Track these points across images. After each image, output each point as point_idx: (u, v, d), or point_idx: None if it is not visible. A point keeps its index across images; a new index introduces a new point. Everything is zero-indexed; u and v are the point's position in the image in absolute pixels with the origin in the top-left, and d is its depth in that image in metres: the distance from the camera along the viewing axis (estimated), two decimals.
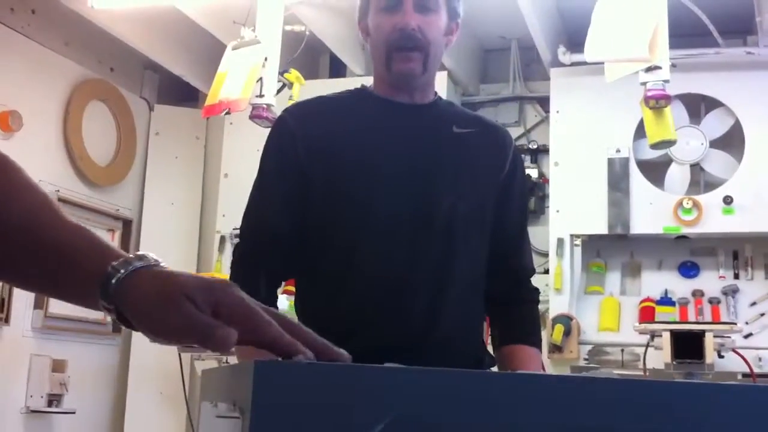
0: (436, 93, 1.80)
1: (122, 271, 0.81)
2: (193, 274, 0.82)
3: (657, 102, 2.96)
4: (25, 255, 0.87)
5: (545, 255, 4.09)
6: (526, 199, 1.90)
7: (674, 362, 2.83)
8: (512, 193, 1.78)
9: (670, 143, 3.10)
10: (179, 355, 3.41)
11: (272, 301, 1.70)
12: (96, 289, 0.82)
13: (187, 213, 4.70)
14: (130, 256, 0.84)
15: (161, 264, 0.83)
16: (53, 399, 3.87)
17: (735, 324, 3.04)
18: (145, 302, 0.79)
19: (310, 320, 1.63)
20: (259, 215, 1.73)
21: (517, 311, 1.78)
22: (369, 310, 1.62)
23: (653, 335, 2.97)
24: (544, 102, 4.32)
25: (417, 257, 1.64)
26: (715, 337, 2.89)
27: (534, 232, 4.29)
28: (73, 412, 3.93)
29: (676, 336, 2.82)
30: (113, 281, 0.81)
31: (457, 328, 1.67)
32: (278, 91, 3.54)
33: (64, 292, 0.88)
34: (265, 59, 3.39)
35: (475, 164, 1.74)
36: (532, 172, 4.36)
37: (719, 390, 0.74)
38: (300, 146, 1.69)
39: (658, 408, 0.71)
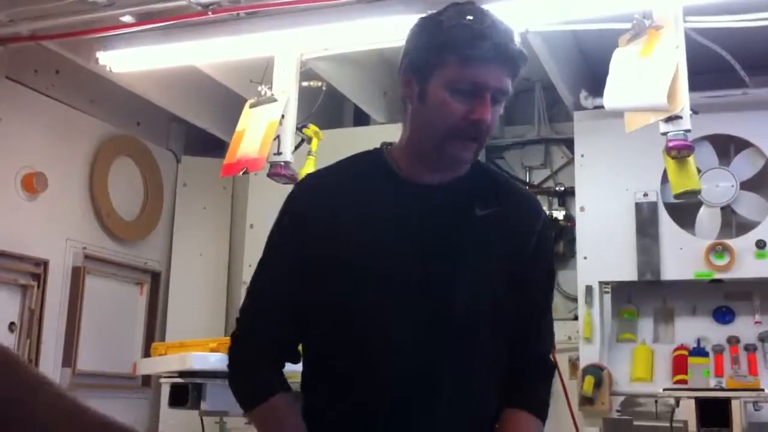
0: None
1: None
2: None
3: (679, 152, 2.87)
4: None
5: (574, 300, 4.01)
6: (552, 277, 1.81)
7: (701, 431, 2.72)
8: (537, 272, 1.69)
9: (695, 193, 3.00)
10: (201, 418, 3.40)
11: (279, 378, 1.64)
12: None
13: (216, 264, 4.71)
14: None
15: None
16: None
17: (763, 390, 2.91)
18: None
19: (316, 416, 1.60)
20: (263, 296, 1.68)
21: (526, 384, 1.69)
22: (377, 415, 1.54)
23: (678, 400, 2.87)
24: (570, 143, 4.24)
25: (427, 358, 1.55)
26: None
27: (563, 277, 4.26)
28: None
29: (701, 403, 2.71)
30: None
31: (473, 426, 1.61)
32: (297, 147, 3.53)
33: None
34: (282, 117, 3.39)
35: (495, 252, 1.63)
36: (559, 215, 4.29)
37: None
38: (309, 226, 1.61)
39: None
